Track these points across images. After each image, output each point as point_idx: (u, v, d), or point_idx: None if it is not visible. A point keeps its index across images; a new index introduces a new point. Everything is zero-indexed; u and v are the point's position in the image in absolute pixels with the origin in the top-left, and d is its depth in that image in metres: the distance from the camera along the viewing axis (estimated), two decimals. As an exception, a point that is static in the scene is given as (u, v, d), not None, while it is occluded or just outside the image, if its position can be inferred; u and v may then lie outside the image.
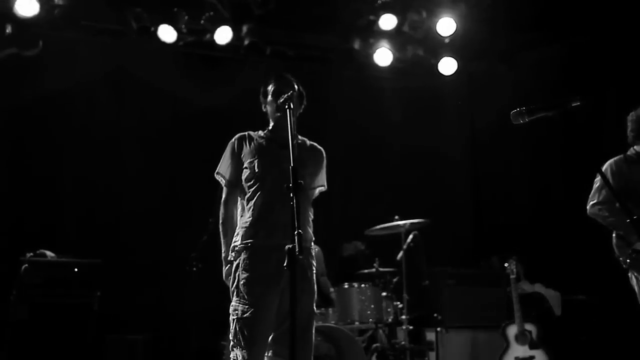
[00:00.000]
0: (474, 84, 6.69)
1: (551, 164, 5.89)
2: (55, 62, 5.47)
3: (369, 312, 4.42)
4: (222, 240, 2.77)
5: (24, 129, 5.41)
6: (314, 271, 2.74)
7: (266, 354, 2.58)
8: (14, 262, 4.44)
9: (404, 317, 4.67)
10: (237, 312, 2.59)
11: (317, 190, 2.92)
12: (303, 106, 2.90)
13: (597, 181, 3.47)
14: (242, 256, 2.64)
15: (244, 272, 2.61)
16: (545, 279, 5.39)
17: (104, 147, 5.64)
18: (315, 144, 2.93)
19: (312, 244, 2.80)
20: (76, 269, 4.63)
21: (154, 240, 5.45)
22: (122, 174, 5.69)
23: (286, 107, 2.50)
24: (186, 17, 5.52)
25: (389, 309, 4.57)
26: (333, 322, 4.44)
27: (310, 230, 2.80)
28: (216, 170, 2.83)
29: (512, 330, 4.63)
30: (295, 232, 2.14)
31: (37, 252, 4.61)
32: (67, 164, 5.55)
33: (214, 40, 5.60)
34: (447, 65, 6.12)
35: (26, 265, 4.43)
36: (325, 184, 2.94)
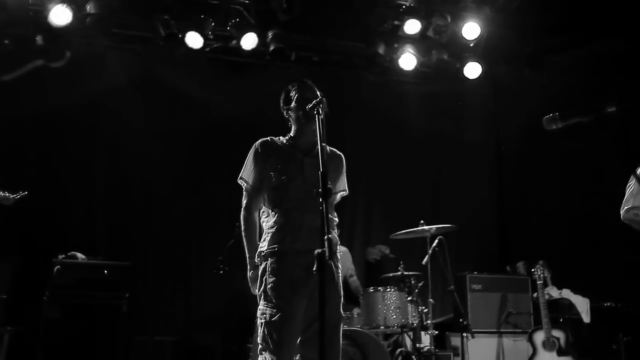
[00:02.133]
0: (500, 88, 6.64)
1: (580, 168, 5.79)
2: (85, 69, 5.61)
3: (394, 316, 4.40)
4: (245, 246, 2.80)
5: (56, 135, 5.55)
6: (340, 274, 2.76)
7: (294, 358, 2.59)
8: (47, 263, 4.56)
9: (429, 321, 4.65)
10: (265, 315, 2.60)
11: (339, 195, 2.94)
12: (326, 112, 2.92)
13: (631, 185, 3.38)
14: (269, 260, 2.66)
15: (271, 276, 2.63)
16: (573, 285, 5.31)
17: (133, 152, 5.75)
18: (335, 149, 2.94)
19: (339, 246, 2.81)
20: (106, 271, 4.74)
21: (182, 244, 5.55)
22: (151, 179, 5.79)
23: (315, 112, 2.51)
24: (213, 24, 5.61)
25: (414, 314, 4.55)
26: (358, 326, 4.45)
27: (336, 234, 2.82)
28: (239, 176, 2.84)
29: (539, 337, 4.57)
30: (325, 237, 2.16)
31: (69, 254, 4.73)
32: (98, 169, 5.67)
33: (240, 46, 5.68)
34: (472, 70, 6.10)
35: (58, 266, 4.55)
36: (347, 188, 2.96)
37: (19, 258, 4.60)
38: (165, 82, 5.93)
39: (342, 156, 2.95)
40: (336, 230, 2.82)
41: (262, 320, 2.61)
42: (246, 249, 2.78)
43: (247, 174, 2.83)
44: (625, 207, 3.35)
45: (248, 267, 2.77)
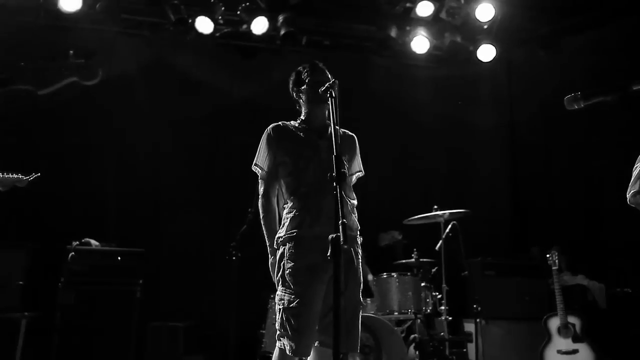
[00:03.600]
0: (514, 71, 6.53)
1: (595, 152, 5.69)
2: (95, 55, 5.58)
3: (407, 302, 4.39)
4: (265, 233, 2.74)
5: (67, 122, 5.55)
6: (360, 260, 2.72)
7: (314, 344, 2.56)
8: (62, 250, 4.59)
9: (443, 307, 4.63)
10: (282, 301, 2.57)
11: (355, 177, 2.90)
12: (337, 95, 2.86)
13: (638, 167, 3.29)
14: (287, 246, 2.62)
15: (289, 261, 2.59)
16: (588, 271, 5.25)
17: (143, 138, 5.74)
18: (347, 130, 2.88)
19: (358, 232, 2.77)
20: (119, 258, 4.76)
21: (195, 230, 5.56)
22: (163, 165, 5.80)
23: (328, 95, 2.47)
24: (223, 8, 5.55)
25: (427, 300, 4.53)
26: (372, 312, 4.44)
27: (355, 218, 2.77)
28: (254, 162, 2.79)
29: (554, 323, 4.52)
30: (340, 222, 2.13)
31: (83, 240, 4.75)
32: (109, 156, 5.68)
33: (250, 31, 5.63)
34: (486, 52, 5.99)
35: (73, 253, 4.57)
36: (362, 169, 2.92)
37: (34, 245, 4.63)
38: (175, 67, 5.91)
39: (355, 137, 2.90)
40: (355, 214, 2.78)
41: (281, 306, 2.58)
42: (266, 236, 2.74)
43: (261, 160, 2.77)
44: (632, 191, 3.25)
45: (269, 254, 2.74)
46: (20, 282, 4.41)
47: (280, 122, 2.84)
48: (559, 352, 4.44)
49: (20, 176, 3.32)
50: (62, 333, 4.38)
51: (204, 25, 5.52)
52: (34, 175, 3.34)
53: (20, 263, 4.45)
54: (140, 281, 4.68)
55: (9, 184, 3.29)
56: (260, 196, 2.78)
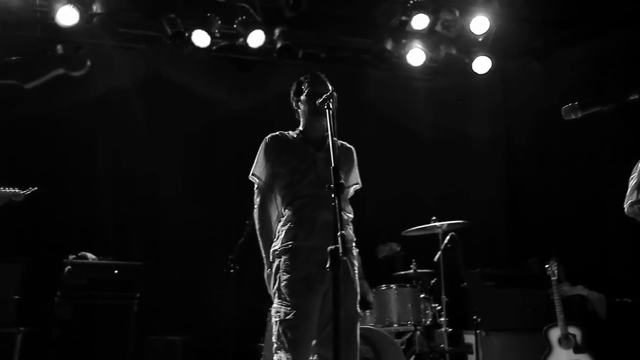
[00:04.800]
0: (509, 83, 6.58)
1: (592, 162, 5.72)
2: (92, 69, 5.60)
3: (407, 314, 4.36)
4: (261, 244, 2.74)
5: (64, 135, 5.55)
6: (356, 272, 2.71)
7: (311, 357, 2.54)
8: (58, 264, 4.56)
9: (442, 319, 4.60)
10: (279, 314, 2.55)
11: (352, 189, 2.90)
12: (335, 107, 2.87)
13: (634, 177, 3.30)
14: (283, 258, 2.61)
15: (284, 273, 2.58)
16: (588, 281, 5.24)
17: (141, 151, 5.74)
18: (345, 142, 2.89)
19: (353, 244, 2.77)
20: (116, 271, 4.73)
21: (192, 243, 5.53)
22: (160, 179, 5.79)
23: (325, 107, 2.47)
24: (219, 22, 5.58)
25: (427, 311, 4.51)
26: (371, 324, 4.40)
27: (351, 230, 2.77)
28: (251, 172, 2.79)
29: (554, 334, 4.50)
30: (338, 234, 2.12)
31: (79, 254, 4.72)
32: (106, 169, 5.67)
33: (246, 44, 5.65)
34: (481, 64, 6.04)
35: (69, 267, 4.54)
36: (360, 181, 2.92)
37: (30, 259, 4.60)
38: (171, 81, 5.92)
39: (353, 149, 2.91)
40: (351, 226, 2.77)
41: (277, 319, 2.56)
42: (262, 248, 2.73)
43: (259, 170, 2.77)
44: (629, 201, 3.26)
45: (265, 265, 2.72)
46: (16, 297, 4.37)
47: (278, 132, 2.85)
48: (560, 363, 4.42)
49: (17, 190, 3.32)
50: (59, 348, 4.33)
51: (200, 38, 5.54)
52: (30, 190, 3.34)
53: (16, 277, 4.42)
54: (138, 295, 4.65)
55: (6, 198, 3.28)
56: (256, 207, 2.77)
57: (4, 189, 3.27)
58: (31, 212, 4.76)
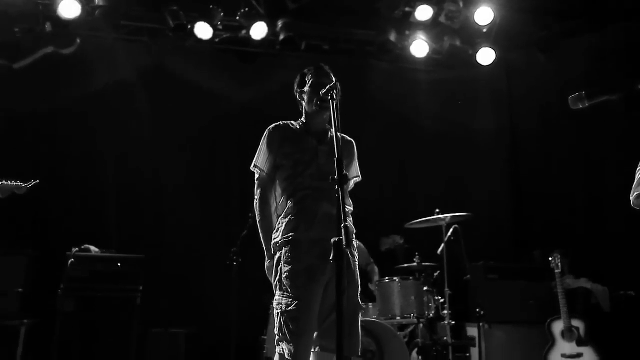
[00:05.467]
0: (514, 74, 6.52)
1: (596, 154, 5.68)
2: (94, 62, 5.59)
3: (410, 307, 4.35)
4: (262, 236, 2.73)
5: (67, 129, 5.55)
6: (357, 263, 2.71)
7: (313, 349, 2.54)
8: (61, 257, 4.56)
9: (445, 312, 4.59)
10: (281, 305, 2.55)
11: (353, 182, 2.89)
12: (339, 98, 2.85)
13: None
14: (284, 250, 2.60)
15: (286, 265, 2.57)
16: (591, 274, 5.22)
17: (143, 144, 5.73)
18: (346, 135, 2.87)
19: (354, 236, 2.76)
20: (119, 264, 4.73)
21: (195, 236, 5.53)
22: (163, 171, 5.79)
23: (329, 98, 2.45)
24: (222, 14, 5.56)
25: (430, 304, 4.50)
26: (374, 317, 4.40)
27: (351, 222, 2.76)
28: (253, 163, 2.77)
29: (558, 327, 4.49)
30: (342, 225, 2.11)
31: (83, 247, 4.73)
32: (109, 162, 5.67)
33: (249, 36, 5.63)
34: (485, 56, 6.01)
35: (72, 260, 4.55)
36: (360, 174, 2.90)
37: (33, 252, 4.61)
38: (174, 73, 5.90)
39: (354, 142, 2.89)
40: (351, 219, 2.77)
41: (279, 310, 2.56)
42: (263, 240, 2.73)
43: (261, 161, 2.75)
44: (636, 194, 3.21)
45: (266, 257, 2.72)
46: (20, 290, 4.38)
47: (280, 122, 2.83)
48: (564, 356, 4.41)
49: (19, 183, 3.32)
50: (62, 340, 4.34)
51: (203, 31, 5.52)
52: (32, 183, 3.34)
53: (20, 270, 4.43)
54: (141, 287, 4.65)
55: (8, 191, 3.28)
56: (257, 199, 2.75)
57: (6, 182, 3.27)
58: (35, 205, 4.79)
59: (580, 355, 4.36)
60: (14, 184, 3.29)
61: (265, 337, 4.47)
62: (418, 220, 4.84)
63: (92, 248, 4.77)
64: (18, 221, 4.91)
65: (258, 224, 2.76)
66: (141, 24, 5.73)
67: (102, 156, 5.66)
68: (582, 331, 4.42)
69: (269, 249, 2.70)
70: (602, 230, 5.41)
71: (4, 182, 3.28)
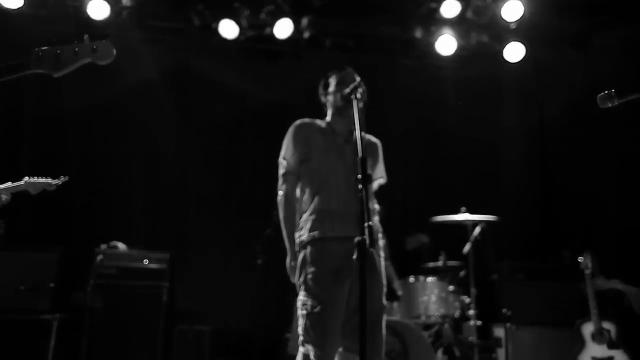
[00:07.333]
0: (543, 71, 6.37)
1: (628, 152, 5.52)
2: (122, 61, 5.66)
3: (435, 306, 4.32)
4: (285, 233, 2.72)
5: (95, 127, 5.66)
6: (383, 263, 2.69)
7: (338, 349, 2.53)
8: (90, 253, 4.66)
9: (471, 312, 4.53)
10: (306, 306, 2.55)
11: (377, 183, 2.87)
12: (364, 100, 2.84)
13: None
14: (309, 249, 2.60)
15: (311, 265, 2.57)
16: (623, 275, 5.07)
17: (169, 143, 5.81)
18: (372, 136, 2.86)
19: (380, 234, 2.74)
20: (146, 261, 4.80)
21: (220, 234, 5.59)
22: (188, 169, 5.86)
23: (352, 97, 2.45)
24: (247, 12, 5.58)
25: (455, 304, 4.45)
26: (399, 316, 4.37)
27: (377, 220, 2.74)
28: (281, 155, 2.76)
29: (588, 329, 4.38)
30: (365, 224, 2.09)
31: (110, 244, 4.82)
32: (136, 160, 5.76)
33: (274, 34, 5.64)
34: (514, 52, 5.88)
35: (101, 256, 4.63)
36: (385, 175, 2.88)
37: (64, 248, 4.71)
38: (199, 72, 5.96)
39: (379, 143, 2.88)
40: (377, 217, 2.75)
41: (304, 312, 2.55)
42: (286, 237, 2.72)
43: (289, 155, 2.75)
44: None
45: (288, 255, 2.72)
46: (52, 285, 4.49)
47: (307, 119, 2.83)
48: (594, 358, 4.30)
49: (50, 180, 3.39)
50: (91, 335, 4.44)
51: (228, 29, 5.56)
52: (62, 179, 3.40)
53: (52, 266, 4.53)
54: (167, 284, 4.71)
55: (39, 188, 3.36)
56: (281, 194, 2.75)
57: (37, 178, 3.35)
58: (65, 201, 4.89)
59: (611, 358, 4.25)
60: (45, 180, 3.37)
61: (289, 335, 4.49)
62: (444, 217, 4.78)
63: (120, 245, 4.86)
64: (48, 217, 5.03)
65: (281, 221, 2.75)
66: (167, 24, 5.80)
67: (129, 154, 5.75)
68: (613, 334, 4.31)
69: (292, 247, 2.69)
70: (635, 230, 5.25)
71: (35, 179, 3.36)
